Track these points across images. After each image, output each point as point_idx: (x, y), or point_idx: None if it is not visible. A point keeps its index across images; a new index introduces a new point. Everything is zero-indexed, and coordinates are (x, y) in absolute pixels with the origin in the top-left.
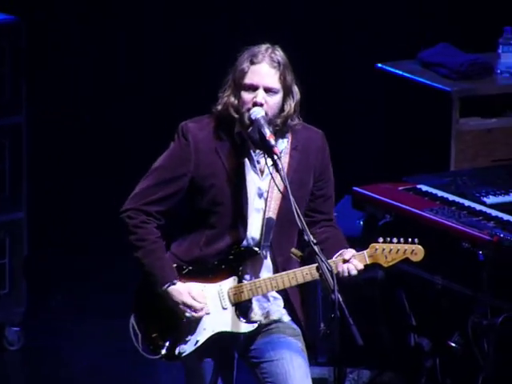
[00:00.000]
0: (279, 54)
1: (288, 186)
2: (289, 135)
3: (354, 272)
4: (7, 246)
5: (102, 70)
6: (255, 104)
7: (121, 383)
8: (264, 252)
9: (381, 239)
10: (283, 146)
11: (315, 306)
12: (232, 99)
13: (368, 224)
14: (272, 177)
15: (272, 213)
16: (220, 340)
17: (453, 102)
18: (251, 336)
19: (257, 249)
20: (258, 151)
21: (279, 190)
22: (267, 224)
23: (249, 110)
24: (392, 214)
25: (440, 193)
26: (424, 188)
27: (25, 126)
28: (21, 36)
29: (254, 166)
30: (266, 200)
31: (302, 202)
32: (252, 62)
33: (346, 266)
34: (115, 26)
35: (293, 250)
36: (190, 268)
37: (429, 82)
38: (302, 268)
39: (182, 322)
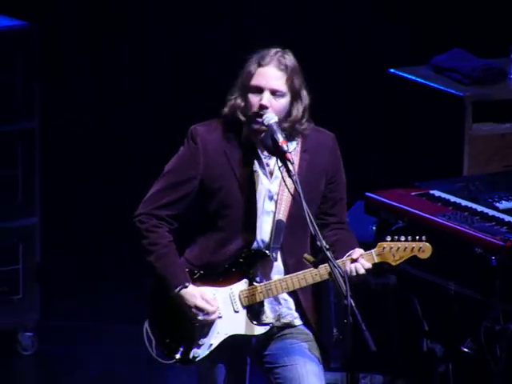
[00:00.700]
0: (288, 58)
1: (301, 192)
2: (298, 138)
3: (361, 271)
4: (20, 252)
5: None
6: (261, 107)
7: None
8: (274, 254)
9: (388, 238)
10: (292, 148)
11: (328, 311)
12: (239, 101)
13: (381, 229)
14: (283, 180)
15: (282, 215)
16: (233, 344)
17: (466, 107)
18: (264, 341)
19: (267, 251)
20: (266, 153)
21: (290, 193)
22: (277, 226)
23: (255, 113)
24: (405, 219)
25: (453, 198)
26: (437, 193)
27: (38, 132)
28: (33, 42)
29: (264, 169)
30: (276, 202)
31: (312, 205)
32: (259, 65)
33: (353, 265)
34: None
35: (305, 255)
36: (202, 272)
37: (442, 87)
38: (311, 269)
39: (195, 326)
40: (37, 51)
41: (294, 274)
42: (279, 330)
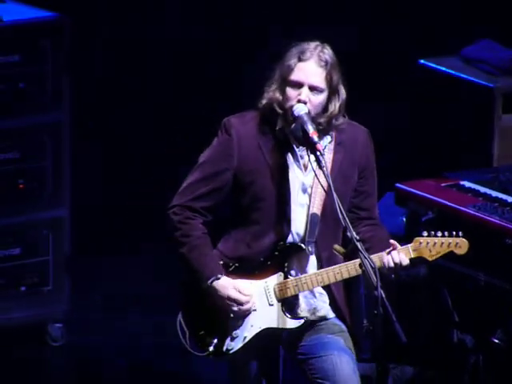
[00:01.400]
0: (328, 53)
1: (331, 183)
2: (333, 132)
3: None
4: (50, 243)
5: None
6: (299, 101)
7: (164, 380)
8: (309, 248)
9: (425, 233)
10: (326, 142)
11: (358, 302)
12: (277, 94)
13: (411, 221)
14: (315, 173)
15: (316, 209)
16: (266, 336)
17: (495, 98)
18: (298, 333)
19: (302, 245)
20: (300, 146)
21: (322, 186)
22: (312, 220)
23: (292, 106)
24: (435, 210)
25: (483, 189)
26: (467, 184)
27: (66, 124)
28: (63, 33)
29: (298, 161)
30: (310, 195)
31: (345, 198)
32: (299, 59)
33: (390, 257)
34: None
35: (335, 246)
36: (237, 265)
37: (471, 78)
38: (346, 263)
39: (229, 318)
40: (67, 42)
41: (330, 268)
42: (313, 322)
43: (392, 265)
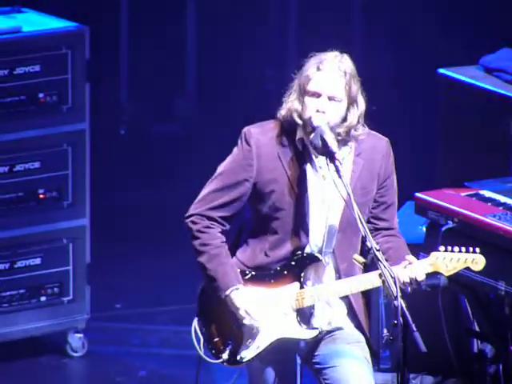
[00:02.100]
0: (347, 63)
1: (350, 193)
2: (352, 143)
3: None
4: (71, 253)
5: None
6: (318, 112)
7: None
8: (326, 258)
9: (442, 248)
10: (345, 152)
11: (378, 312)
12: (296, 105)
13: (431, 230)
14: (335, 183)
15: (335, 219)
16: (281, 345)
17: None
18: (314, 342)
19: (319, 255)
20: (319, 157)
21: (342, 197)
22: (329, 230)
23: (311, 117)
24: (455, 219)
25: (503, 198)
26: (487, 194)
27: (88, 133)
28: (84, 43)
29: (316, 171)
30: (328, 206)
31: (364, 209)
32: (318, 69)
33: (406, 271)
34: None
35: (355, 256)
36: (253, 273)
37: (491, 87)
38: (364, 274)
39: (243, 327)
40: (88, 52)
41: (347, 279)
42: (329, 332)
43: (408, 280)
